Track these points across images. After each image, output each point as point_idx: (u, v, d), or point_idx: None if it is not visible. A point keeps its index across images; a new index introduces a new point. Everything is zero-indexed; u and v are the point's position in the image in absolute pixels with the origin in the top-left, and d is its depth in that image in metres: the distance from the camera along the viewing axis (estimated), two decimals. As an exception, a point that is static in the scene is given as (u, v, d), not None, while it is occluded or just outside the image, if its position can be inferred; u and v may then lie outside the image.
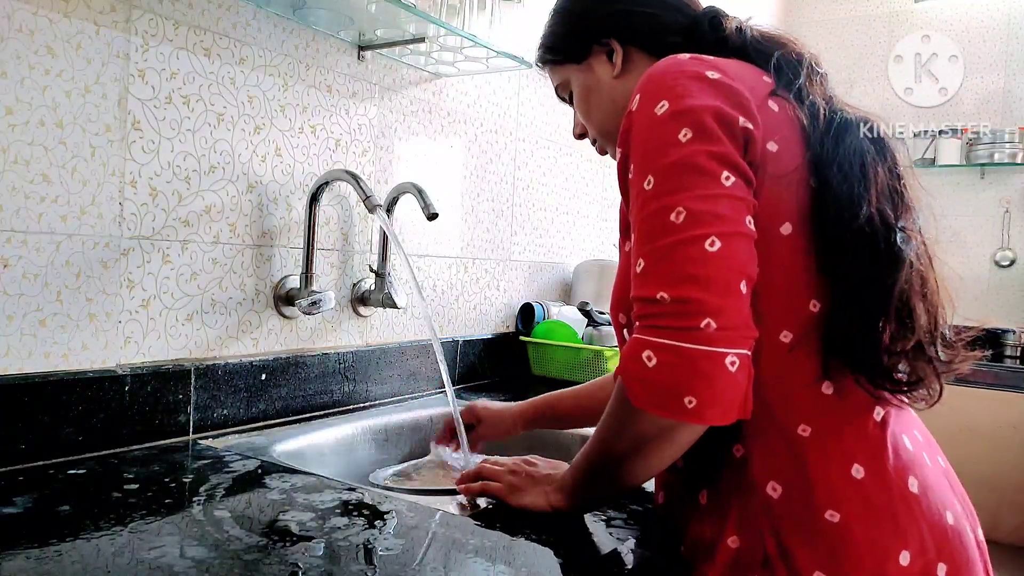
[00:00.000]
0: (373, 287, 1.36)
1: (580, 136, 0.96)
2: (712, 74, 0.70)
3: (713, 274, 0.63)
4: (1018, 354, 2.99)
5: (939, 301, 0.71)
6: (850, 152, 0.70)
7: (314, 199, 1.21)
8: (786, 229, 0.69)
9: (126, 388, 0.99)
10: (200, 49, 1.08)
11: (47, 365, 0.93)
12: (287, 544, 0.71)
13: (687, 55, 0.73)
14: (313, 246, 1.21)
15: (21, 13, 0.88)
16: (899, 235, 0.68)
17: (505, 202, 1.77)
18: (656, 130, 0.68)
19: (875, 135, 0.72)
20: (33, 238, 0.91)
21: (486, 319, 1.73)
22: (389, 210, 1.33)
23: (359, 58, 1.34)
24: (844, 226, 0.67)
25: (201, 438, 1.07)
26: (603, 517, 0.85)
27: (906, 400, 0.71)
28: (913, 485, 0.68)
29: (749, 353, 0.64)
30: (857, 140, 0.71)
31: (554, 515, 0.84)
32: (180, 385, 1.06)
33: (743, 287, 0.64)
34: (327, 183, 1.21)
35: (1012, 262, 3.12)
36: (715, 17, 0.84)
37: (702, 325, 0.61)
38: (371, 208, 1.14)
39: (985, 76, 3.21)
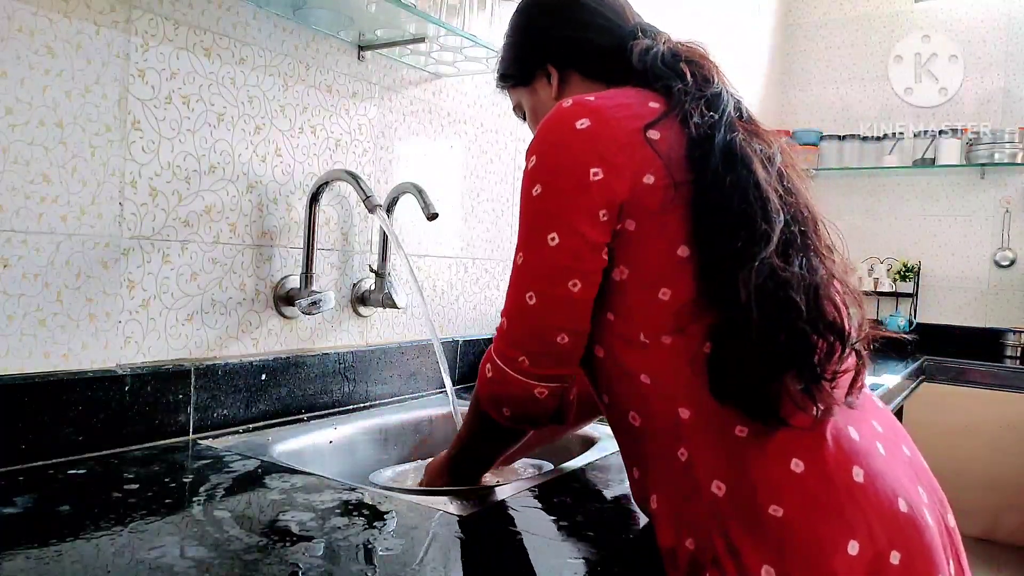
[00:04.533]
0: (373, 287, 1.37)
1: None
2: (581, 123, 0.75)
3: (531, 323, 0.76)
4: (1018, 354, 2.99)
5: (823, 317, 0.69)
6: (711, 179, 0.71)
7: (314, 199, 1.21)
8: (683, 252, 0.72)
9: (126, 388, 0.99)
10: (200, 49, 1.08)
11: (47, 365, 0.93)
12: (287, 544, 0.71)
13: (571, 100, 0.78)
14: (313, 246, 1.21)
15: (21, 13, 0.88)
16: (753, 271, 0.68)
17: (505, 202, 1.78)
18: (524, 183, 0.78)
19: (735, 156, 0.73)
20: (33, 238, 0.91)
21: (486, 319, 1.73)
22: (389, 210, 1.33)
23: (359, 58, 1.34)
24: (720, 254, 0.70)
25: (201, 438, 1.07)
26: (604, 518, 0.85)
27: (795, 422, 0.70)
28: (858, 475, 0.68)
29: (562, 384, 0.77)
30: (716, 166, 0.72)
31: (554, 517, 0.84)
32: (180, 385, 1.06)
33: (560, 339, 0.75)
34: (327, 183, 1.21)
35: (1012, 262, 3.12)
36: (631, 38, 0.88)
37: (519, 359, 0.76)
38: (371, 208, 1.14)
39: (985, 76, 3.21)
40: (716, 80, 0.81)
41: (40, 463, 0.90)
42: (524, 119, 1.02)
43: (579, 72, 0.92)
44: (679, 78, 0.80)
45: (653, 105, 0.78)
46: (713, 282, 0.70)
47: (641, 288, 0.73)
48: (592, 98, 0.78)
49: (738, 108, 0.79)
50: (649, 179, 0.73)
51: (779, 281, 0.68)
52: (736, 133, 0.74)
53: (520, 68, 0.96)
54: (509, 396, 0.78)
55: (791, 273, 0.69)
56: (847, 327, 0.71)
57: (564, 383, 0.77)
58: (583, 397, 1.09)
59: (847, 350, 0.71)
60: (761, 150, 0.75)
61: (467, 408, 0.92)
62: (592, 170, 0.73)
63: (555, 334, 0.75)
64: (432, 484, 1.00)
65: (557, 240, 0.74)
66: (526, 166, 0.78)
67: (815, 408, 0.68)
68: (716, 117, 0.75)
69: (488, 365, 0.79)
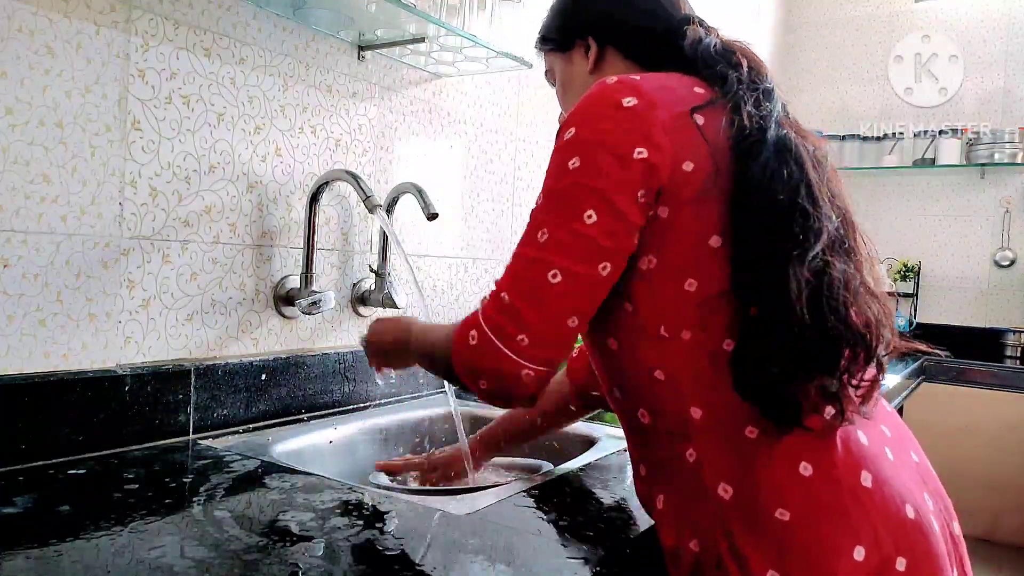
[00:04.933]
0: (373, 287, 1.36)
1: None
2: (628, 100, 0.73)
3: (544, 302, 0.71)
4: (1018, 354, 2.99)
5: (856, 321, 0.69)
6: (758, 173, 0.71)
7: (314, 199, 1.21)
8: (715, 242, 0.71)
9: (126, 388, 0.99)
10: (200, 49, 1.08)
11: (47, 365, 0.93)
12: (287, 544, 0.71)
13: (615, 78, 0.76)
14: (313, 246, 1.21)
15: (21, 13, 0.88)
16: (803, 267, 0.67)
17: (505, 202, 1.78)
18: (558, 154, 0.74)
19: (790, 153, 0.72)
20: (33, 238, 0.91)
21: (486, 319, 1.73)
22: (389, 210, 1.33)
23: (359, 58, 1.34)
24: (746, 249, 0.69)
25: (201, 438, 1.07)
26: (604, 518, 0.85)
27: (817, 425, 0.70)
28: (866, 479, 0.67)
29: (549, 370, 0.73)
30: (767, 161, 0.71)
31: (554, 516, 0.84)
32: (180, 385, 1.06)
33: (571, 322, 0.72)
34: (327, 183, 1.21)
35: (1012, 262, 3.12)
36: (682, 25, 0.86)
37: (518, 338, 0.71)
38: (371, 208, 1.14)
39: (985, 76, 3.21)
40: (768, 77, 0.80)
41: (40, 463, 0.90)
42: (554, 85, 1.00)
43: (619, 50, 0.90)
44: (733, 68, 0.78)
45: (699, 91, 0.77)
46: (753, 275, 0.69)
47: (667, 278, 0.72)
48: (637, 78, 0.76)
49: (785, 109, 0.78)
50: (688, 166, 0.71)
51: (824, 281, 0.68)
52: (788, 131, 0.74)
53: (561, 34, 0.94)
54: (492, 370, 0.73)
55: (835, 275, 0.69)
56: (876, 338, 0.70)
57: (554, 368, 0.74)
58: (585, 391, 1.09)
59: (873, 360, 0.70)
60: (813, 151, 0.74)
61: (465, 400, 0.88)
62: (637, 148, 0.71)
63: (569, 316, 0.72)
64: (382, 332, 0.97)
65: (595, 218, 0.70)
66: (561, 137, 0.75)
67: (838, 413, 0.68)
68: (769, 111, 0.75)
69: (473, 332, 0.73)
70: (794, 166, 0.71)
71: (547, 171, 0.76)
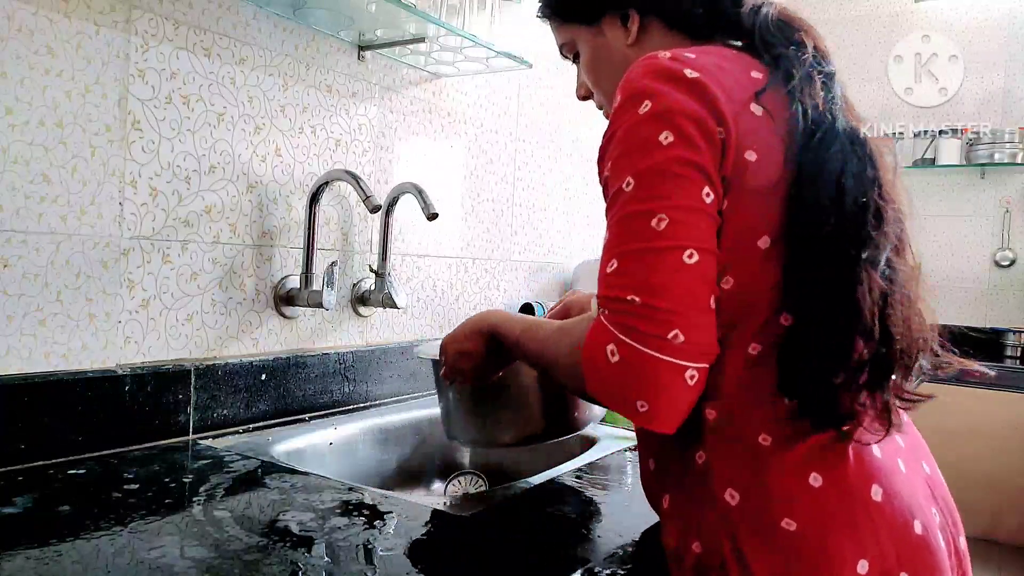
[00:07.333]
0: (373, 287, 1.36)
1: (584, 97, 0.91)
2: (691, 73, 0.66)
3: (688, 288, 0.63)
4: (1018, 354, 2.99)
5: (911, 332, 0.68)
6: (829, 166, 0.66)
7: (314, 199, 1.21)
8: (763, 243, 0.66)
9: (126, 388, 0.99)
10: (200, 49, 1.08)
11: (47, 365, 0.93)
12: (287, 544, 0.71)
13: (667, 52, 0.69)
14: (313, 246, 1.21)
15: (21, 13, 0.88)
16: (876, 273, 0.65)
17: (505, 202, 1.77)
18: (638, 130, 0.66)
19: (863, 147, 0.68)
20: (33, 238, 0.91)
21: (486, 319, 1.73)
22: (389, 210, 1.33)
23: (359, 58, 1.34)
24: (808, 249, 0.65)
25: (201, 438, 1.07)
26: (604, 518, 0.85)
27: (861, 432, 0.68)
28: (876, 493, 0.66)
29: (708, 365, 0.64)
30: (839, 153, 0.66)
31: (554, 516, 0.84)
32: (180, 385, 1.06)
33: (712, 303, 0.64)
34: (327, 183, 1.21)
35: (1012, 262, 3.12)
36: None
37: (670, 336, 0.61)
38: (372, 208, 1.14)
39: (985, 76, 3.21)
40: (830, 59, 0.73)
41: (40, 463, 0.90)
42: (572, 61, 0.90)
43: (663, 20, 0.80)
44: (797, 46, 0.71)
45: (756, 75, 0.70)
46: (813, 278, 0.65)
47: None
48: (692, 55, 0.68)
49: (845, 96, 0.72)
50: (751, 155, 0.66)
51: (894, 289, 0.66)
52: (856, 123, 0.69)
53: (586, 3, 0.83)
54: (652, 385, 0.62)
55: (900, 283, 0.67)
56: (923, 349, 0.69)
57: (711, 363, 0.65)
58: None
59: (914, 373, 0.69)
60: (886, 148, 0.70)
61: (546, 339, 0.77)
62: (717, 127, 0.65)
63: (710, 297, 0.64)
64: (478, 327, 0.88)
65: (712, 196, 0.64)
66: (627, 110, 0.67)
67: (885, 424, 0.66)
68: (833, 98, 0.69)
69: (611, 347, 0.62)
70: (867, 161, 0.67)
71: (619, 150, 0.67)
